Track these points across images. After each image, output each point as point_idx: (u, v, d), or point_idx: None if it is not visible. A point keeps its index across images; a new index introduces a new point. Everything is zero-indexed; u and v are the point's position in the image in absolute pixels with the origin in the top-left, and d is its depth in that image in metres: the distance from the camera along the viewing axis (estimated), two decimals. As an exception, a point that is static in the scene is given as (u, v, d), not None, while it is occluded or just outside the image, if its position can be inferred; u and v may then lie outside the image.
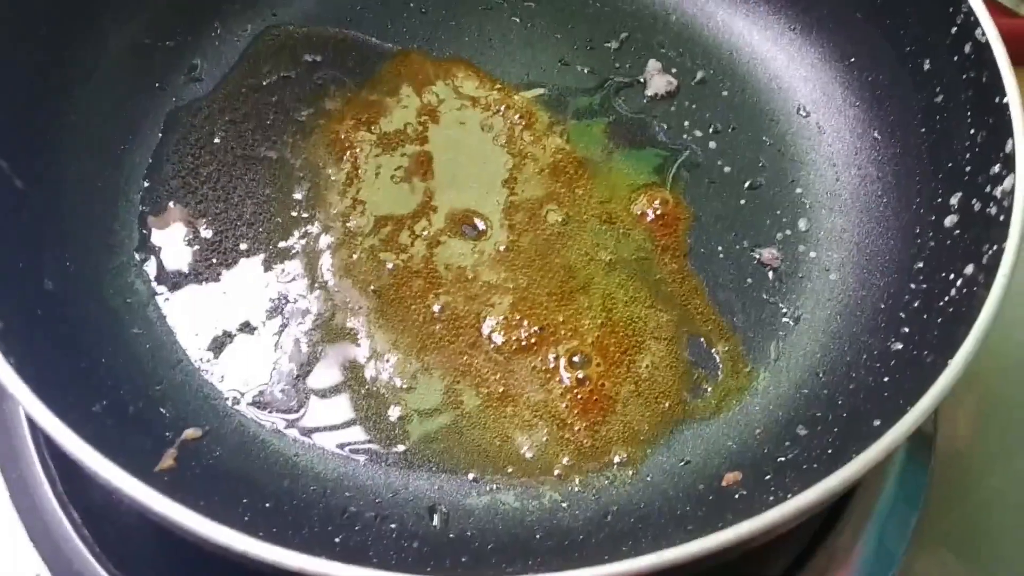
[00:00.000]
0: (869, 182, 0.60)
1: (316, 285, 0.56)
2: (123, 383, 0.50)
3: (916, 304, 0.52)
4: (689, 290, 0.57)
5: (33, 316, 0.49)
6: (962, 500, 0.60)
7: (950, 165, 0.54)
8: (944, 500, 0.58)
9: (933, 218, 0.54)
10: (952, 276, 0.50)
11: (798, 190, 0.61)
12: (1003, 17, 0.74)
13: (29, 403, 0.41)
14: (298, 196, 0.60)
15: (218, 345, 0.54)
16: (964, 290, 0.48)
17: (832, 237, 0.59)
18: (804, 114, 0.64)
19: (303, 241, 0.58)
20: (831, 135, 0.62)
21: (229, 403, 0.52)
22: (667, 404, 0.53)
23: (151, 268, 0.56)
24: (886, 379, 0.49)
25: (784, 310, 0.56)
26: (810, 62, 0.65)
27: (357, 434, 0.52)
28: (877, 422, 0.46)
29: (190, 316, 0.55)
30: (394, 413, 0.52)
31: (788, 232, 0.59)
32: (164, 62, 0.63)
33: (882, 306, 0.54)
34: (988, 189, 0.50)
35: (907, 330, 0.51)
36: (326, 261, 0.57)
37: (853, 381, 0.51)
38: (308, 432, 0.52)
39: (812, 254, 0.58)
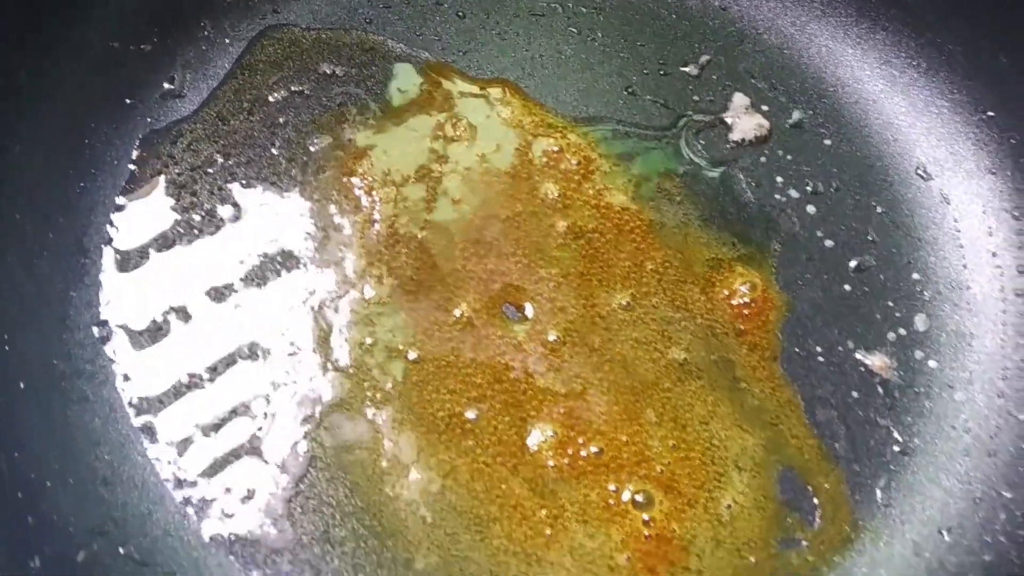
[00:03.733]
0: (1007, 276, 0.49)
1: (328, 366, 0.46)
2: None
3: (1075, 457, 0.41)
4: (781, 404, 0.46)
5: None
6: None
7: (1123, 273, 0.43)
8: None
9: (1096, 340, 0.43)
10: None
11: (915, 276, 0.50)
12: None
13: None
14: (305, 251, 0.48)
15: (198, 457, 0.44)
16: None
17: (957, 343, 0.48)
18: (924, 176, 0.52)
19: (312, 310, 0.47)
20: (958, 207, 0.51)
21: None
22: (753, 559, 0.43)
23: (119, 369, 0.45)
24: (1039, 560, 0.39)
25: (897, 437, 0.46)
26: (935, 110, 0.53)
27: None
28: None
29: (171, 420, 0.45)
30: (419, 563, 0.42)
31: (902, 332, 0.48)
32: (136, 72, 0.51)
33: (1025, 448, 0.44)
34: None
35: (1064, 493, 0.41)
36: (339, 339, 0.46)
37: (989, 550, 0.41)
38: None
39: (931, 363, 0.47)
